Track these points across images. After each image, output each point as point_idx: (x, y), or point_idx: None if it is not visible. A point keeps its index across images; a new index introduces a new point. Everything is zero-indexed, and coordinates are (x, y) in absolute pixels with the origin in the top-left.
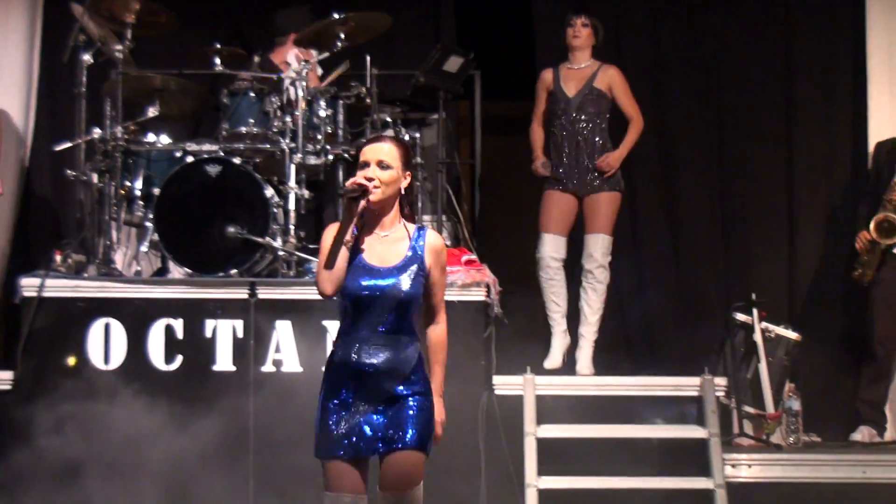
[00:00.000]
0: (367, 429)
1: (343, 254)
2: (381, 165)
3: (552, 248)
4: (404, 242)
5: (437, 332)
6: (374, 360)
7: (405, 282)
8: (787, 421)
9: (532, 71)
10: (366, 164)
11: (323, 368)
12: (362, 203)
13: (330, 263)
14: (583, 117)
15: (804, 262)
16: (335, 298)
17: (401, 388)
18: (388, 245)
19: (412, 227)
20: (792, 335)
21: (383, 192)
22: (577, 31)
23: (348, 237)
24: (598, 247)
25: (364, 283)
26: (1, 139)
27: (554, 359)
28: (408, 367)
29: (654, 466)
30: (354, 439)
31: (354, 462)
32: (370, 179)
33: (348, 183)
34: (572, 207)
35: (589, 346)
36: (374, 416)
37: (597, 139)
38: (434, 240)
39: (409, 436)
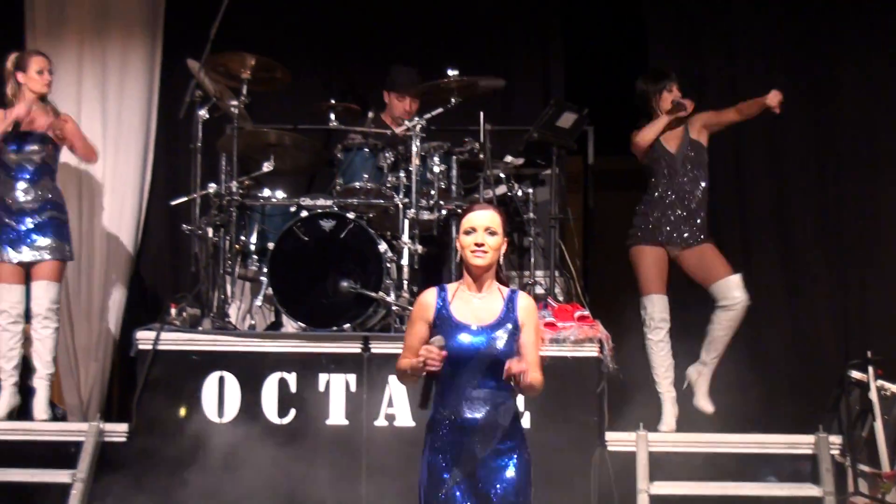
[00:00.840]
0: (470, 485)
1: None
2: (489, 232)
3: (662, 308)
4: (498, 303)
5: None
6: (475, 416)
7: (500, 340)
8: None
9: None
10: (472, 230)
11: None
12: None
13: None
14: (687, 171)
15: None
16: None
17: (500, 444)
18: (483, 305)
19: (505, 290)
20: None
21: (492, 258)
22: (676, 94)
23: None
24: (737, 285)
25: (461, 342)
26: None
27: (668, 424)
28: (506, 422)
29: None
30: (459, 496)
31: None
32: (480, 245)
33: (429, 362)
34: (667, 263)
35: (707, 378)
36: (478, 471)
37: (699, 190)
38: (526, 301)
39: (509, 492)
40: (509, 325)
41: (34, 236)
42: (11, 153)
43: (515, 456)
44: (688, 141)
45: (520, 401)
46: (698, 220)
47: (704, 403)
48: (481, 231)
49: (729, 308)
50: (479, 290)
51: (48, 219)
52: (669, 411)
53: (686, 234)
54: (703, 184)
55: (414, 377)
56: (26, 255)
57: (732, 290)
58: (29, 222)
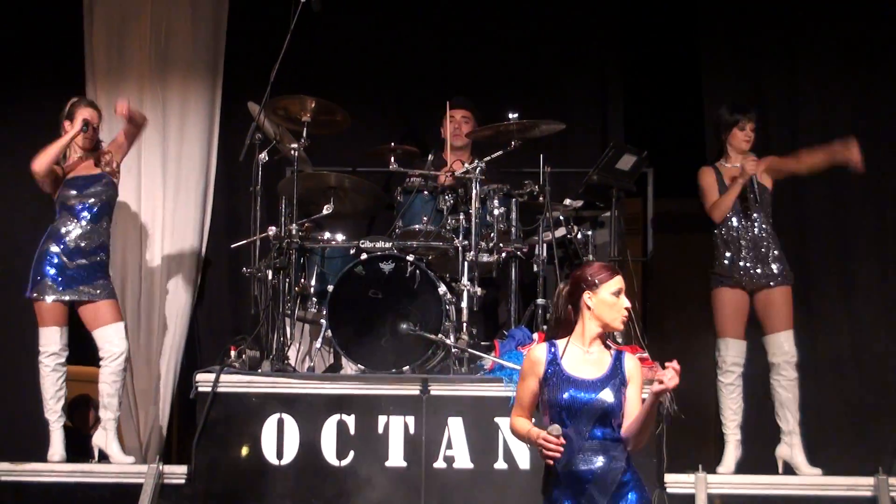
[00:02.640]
0: None
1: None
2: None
3: (736, 352)
4: (607, 358)
5: None
6: (590, 467)
7: (609, 394)
8: None
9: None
10: (621, 292)
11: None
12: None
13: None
14: (753, 214)
15: None
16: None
17: (617, 493)
18: (594, 359)
19: (612, 346)
20: None
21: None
22: (749, 134)
23: None
24: (785, 344)
25: (571, 394)
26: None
27: (727, 466)
28: (619, 471)
29: None
30: None
31: None
32: (628, 310)
33: (549, 453)
34: (746, 305)
35: (799, 445)
36: None
37: (765, 232)
38: (630, 359)
39: None
40: (618, 380)
41: (87, 277)
42: (72, 196)
43: (630, 490)
44: (754, 184)
45: None
46: (769, 263)
47: (811, 470)
48: (624, 296)
49: (777, 364)
50: (591, 346)
51: (100, 261)
52: (731, 454)
53: (756, 277)
54: (766, 226)
55: (525, 441)
56: (81, 295)
57: (781, 346)
58: (83, 263)
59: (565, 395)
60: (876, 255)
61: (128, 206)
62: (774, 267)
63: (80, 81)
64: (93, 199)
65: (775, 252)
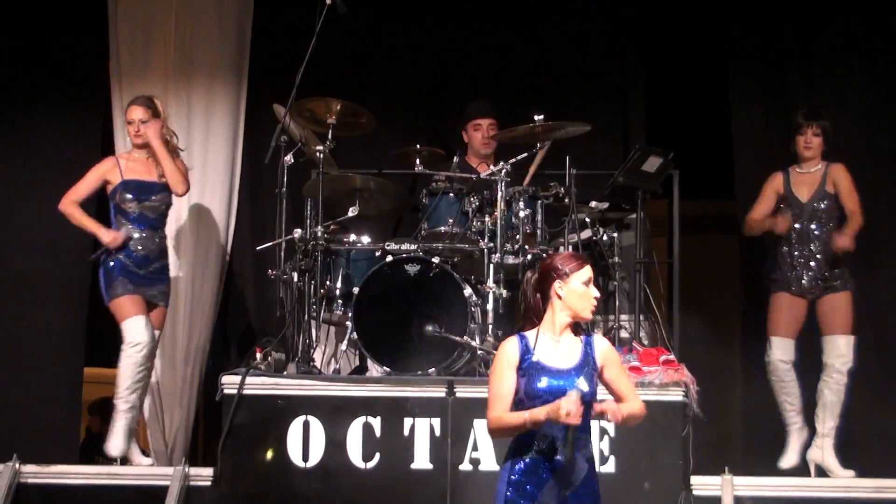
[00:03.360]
0: None
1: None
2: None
3: (781, 351)
4: (578, 346)
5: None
6: (558, 457)
7: (584, 382)
8: None
9: (728, 170)
10: (590, 282)
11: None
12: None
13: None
14: (815, 223)
15: None
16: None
17: (582, 487)
18: (565, 349)
19: (581, 333)
20: None
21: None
22: (809, 140)
23: None
24: (842, 347)
25: (544, 384)
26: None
27: (790, 458)
28: (585, 470)
29: None
30: None
31: None
32: (597, 299)
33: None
34: (802, 311)
35: (830, 448)
36: None
37: (828, 238)
38: (601, 343)
39: None
40: (590, 367)
41: (152, 281)
42: (130, 202)
43: (587, 496)
44: (822, 192)
45: (605, 445)
46: (830, 268)
47: (843, 473)
48: (592, 285)
49: (830, 367)
50: (561, 334)
51: (162, 266)
52: (794, 444)
53: (814, 283)
54: (832, 233)
55: (515, 432)
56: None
57: (838, 348)
58: (149, 268)
59: (542, 385)
60: None
61: None
62: (830, 275)
63: (105, 82)
64: (150, 206)
65: (835, 262)
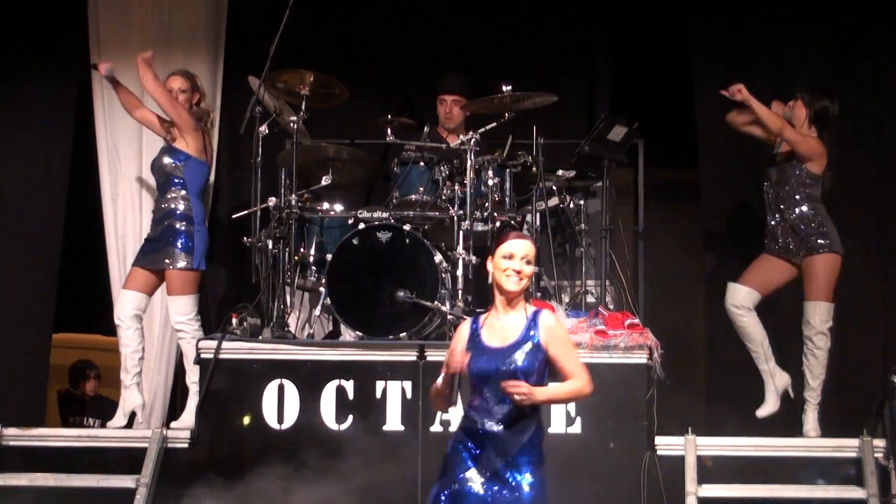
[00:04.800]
0: (475, 491)
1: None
2: (525, 261)
3: (731, 296)
4: (520, 322)
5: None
6: (494, 429)
7: (519, 357)
8: None
9: (692, 140)
10: (511, 257)
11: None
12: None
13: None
14: (786, 186)
15: None
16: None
17: (519, 456)
18: (506, 325)
19: (530, 309)
20: None
21: (525, 285)
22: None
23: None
24: (816, 314)
25: (485, 363)
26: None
27: (766, 406)
28: (523, 438)
29: None
30: (470, 495)
31: None
32: (518, 272)
33: (453, 367)
34: (777, 269)
35: (813, 410)
36: (491, 480)
37: (801, 205)
38: (546, 319)
39: None
40: (529, 344)
41: (154, 245)
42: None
43: (529, 473)
44: (792, 157)
45: (571, 407)
46: (803, 232)
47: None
48: (518, 259)
49: (803, 332)
50: (506, 313)
51: (167, 227)
52: (769, 392)
53: (791, 245)
54: (797, 197)
55: (441, 396)
56: (151, 263)
57: (806, 315)
58: (156, 230)
59: (476, 367)
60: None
61: (130, 175)
62: (803, 240)
63: (84, 55)
64: (162, 168)
65: (809, 227)
